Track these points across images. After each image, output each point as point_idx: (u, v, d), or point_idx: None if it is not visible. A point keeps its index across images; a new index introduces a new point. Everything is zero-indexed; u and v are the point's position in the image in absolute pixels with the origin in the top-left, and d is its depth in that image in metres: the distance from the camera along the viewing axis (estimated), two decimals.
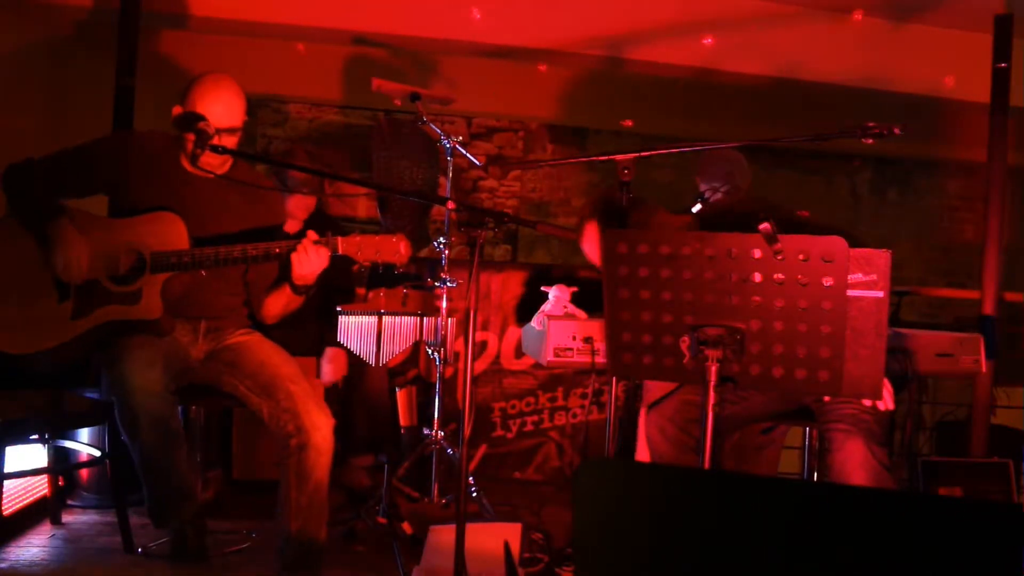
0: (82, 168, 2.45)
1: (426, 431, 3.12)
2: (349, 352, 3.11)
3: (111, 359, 2.27)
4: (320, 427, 2.30)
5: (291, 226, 3.45)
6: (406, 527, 2.82)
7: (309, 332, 3.30)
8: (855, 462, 2.10)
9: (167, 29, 4.33)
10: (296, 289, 2.42)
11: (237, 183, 2.51)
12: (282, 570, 2.34)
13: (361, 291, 3.60)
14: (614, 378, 2.38)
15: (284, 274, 2.44)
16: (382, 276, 3.18)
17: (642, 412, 3.01)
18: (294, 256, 2.32)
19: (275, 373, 2.39)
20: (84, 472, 3.17)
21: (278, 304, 2.54)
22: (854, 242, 1.63)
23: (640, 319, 1.74)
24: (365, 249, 2.34)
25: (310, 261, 2.32)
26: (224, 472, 3.37)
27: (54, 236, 2.35)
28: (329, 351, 3.34)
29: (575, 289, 3.21)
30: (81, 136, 2.55)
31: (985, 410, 3.64)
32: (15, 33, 3.87)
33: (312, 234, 2.34)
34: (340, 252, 2.34)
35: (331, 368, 3.34)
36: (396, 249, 2.34)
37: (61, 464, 2.96)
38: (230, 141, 2.42)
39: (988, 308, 3.60)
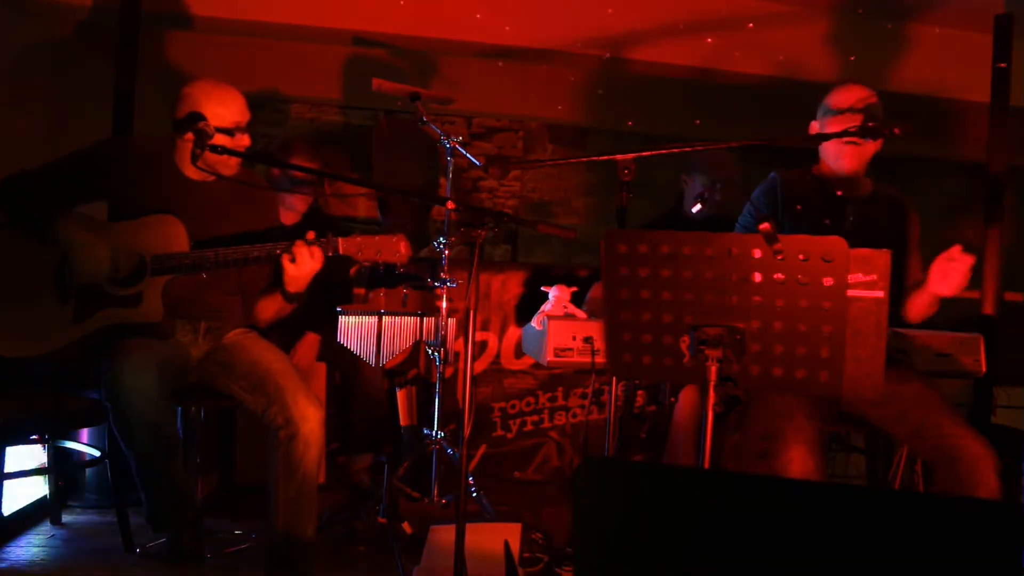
0: (76, 175, 2.45)
1: (426, 431, 3.12)
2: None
3: (105, 363, 2.26)
4: (309, 419, 2.30)
5: (290, 219, 3.45)
6: (406, 527, 2.82)
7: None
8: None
9: (167, 29, 4.33)
10: (286, 295, 2.41)
11: (238, 183, 2.51)
12: (270, 568, 2.34)
13: (361, 291, 3.60)
14: (614, 378, 2.37)
15: (276, 279, 2.44)
16: (382, 276, 3.18)
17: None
18: (285, 257, 2.30)
19: (267, 369, 2.39)
20: (84, 472, 3.17)
21: (270, 309, 2.55)
22: None
23: (640, 319, 1.74)
24: (366, 249, 2.34)
25: (303, 262, 2.30)
26: (226, 475, 3.37)
27: (70, 241, 2.36)
28: (309, 336, 3.36)
29: (575, 289, 3.21)
30: (82, 136, 2.55)
31: (985, 410, 3.64)
32: (15, 33, 3.87)
33: (310, 235, 2.33)
34: (341, 252, 2.34)
35: (303, 352, 3.35)
36: (396, 249, 2.34)
37: (61, 464, 2.96)
38: (242, 139, 2.45)
39: (988, 308, 3.60)
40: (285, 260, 2.31)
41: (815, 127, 2.58)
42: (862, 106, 2.46)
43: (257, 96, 4.85)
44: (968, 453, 2.17)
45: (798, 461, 2.13)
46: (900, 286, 2.58)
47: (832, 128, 2.48)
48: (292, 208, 3.48)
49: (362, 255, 2.34)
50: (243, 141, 2.46)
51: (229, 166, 2.47)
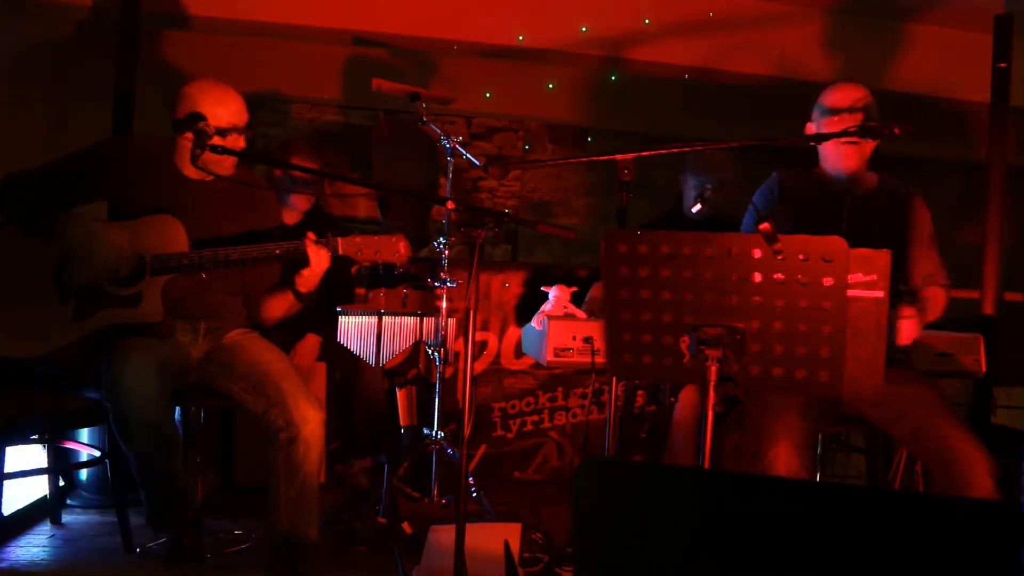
0: (76, 175, 2.45)
1: (426, 431, 3.12)
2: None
3: (105, 363, 2.26)
4: (309, 421, 2.30)
5: (292, 218, 3.45)
6: (406, 527, 2.82)
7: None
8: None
9: (167, 29, 4.33)
10: (299, 295, 2.43)
11: (237, 183, 2.51)
12: (272, 568, 2.34)
13: (361, 291, 3.60)
14: (614, 378, 2.37)
15: (287, 279, 2.44)
16: (382, 276, 3.18)
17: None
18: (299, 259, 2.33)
19: (266, 371, 2.39)
20: (84, 472, 3.17)
21: (279, 308, 2.55)
22: None
23: (640, 319, 1.74)
24: (365, 249, 2.35)
25: (313, 262, 2.33)
26: (226, 475, 3.37)
27: (76, 240, 2.36)
28: (309, 337, 3.36)
29: (575, 289, 3.21)
30: (82, 136, 2.55)
31: (985, 410, 3.64)
32: (15, 33, 3.87)
33: (311, 235, 2.34)
34: (340, 252, 2.35)
35: (303, 352, 3.35)
36: (396, 249, 2.35)
37: (61, 464, 2.96)
38: (237, 141, 2.45)
39: (988, 308, 3.60)
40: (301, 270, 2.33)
41: (811, 129, 2.58)
42: (860, 105, 2.46)
43: (257, 96, 4.87)
44: (963, 456, 2.17)
45: (783, 459, 2.13)
46: (902, 278, 2.57)
47: (830, 128, 2.48)
48: (294, 208, 3.48)
49: (361, 255, 2.35)
50: (238, 143, 2.45)
51: (224, 167, 2.46)
